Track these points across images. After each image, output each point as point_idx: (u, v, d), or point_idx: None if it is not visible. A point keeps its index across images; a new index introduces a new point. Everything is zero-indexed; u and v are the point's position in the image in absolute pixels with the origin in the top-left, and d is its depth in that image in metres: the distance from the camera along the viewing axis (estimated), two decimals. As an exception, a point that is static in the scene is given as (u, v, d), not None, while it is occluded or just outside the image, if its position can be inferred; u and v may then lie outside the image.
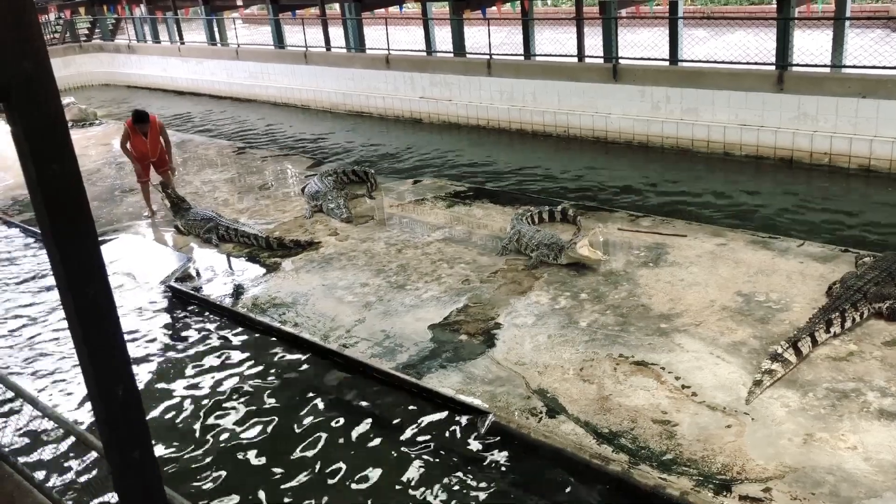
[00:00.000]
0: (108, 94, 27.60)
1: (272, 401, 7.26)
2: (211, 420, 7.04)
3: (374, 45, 20.81)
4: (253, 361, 7.97)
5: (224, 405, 7.26)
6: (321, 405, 7.14)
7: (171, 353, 8.34)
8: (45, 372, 8.15)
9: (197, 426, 6.99)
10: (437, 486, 5.95)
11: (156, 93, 26.68)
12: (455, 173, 14.59)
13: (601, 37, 16.06)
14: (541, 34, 19.14)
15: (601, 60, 16.00)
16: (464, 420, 6.60)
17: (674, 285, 8.44)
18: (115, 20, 30.06)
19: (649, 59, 15.33)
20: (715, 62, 14.58)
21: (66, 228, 1.95)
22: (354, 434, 6.67)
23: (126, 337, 2.22)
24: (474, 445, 6.33)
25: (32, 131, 1.88)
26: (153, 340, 8.64)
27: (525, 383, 6.90)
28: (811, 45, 14.88)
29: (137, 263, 10.73)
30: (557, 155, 15.57)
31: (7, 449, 5.23)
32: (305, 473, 6.24)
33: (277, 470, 6.30)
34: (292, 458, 6.44)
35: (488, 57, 17.44)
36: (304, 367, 7.80)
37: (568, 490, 5.80)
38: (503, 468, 6.08)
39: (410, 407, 6.92)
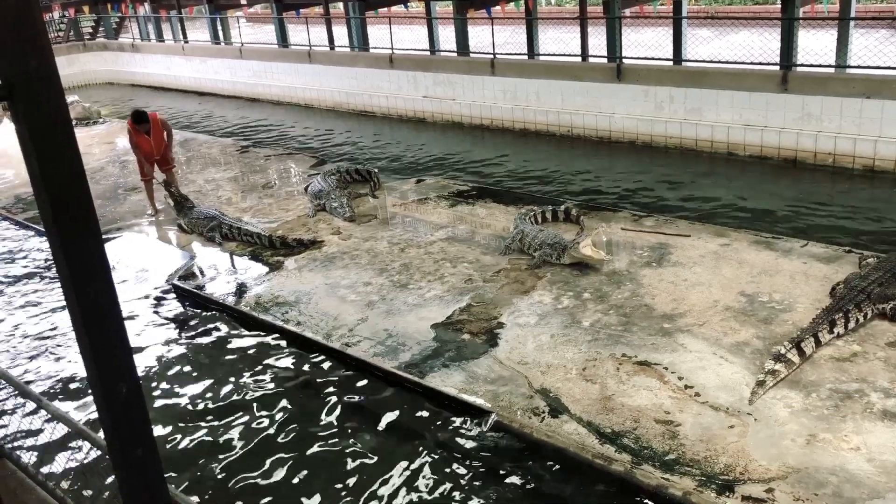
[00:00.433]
0: (111, 92, 27.63)
1: (274, 399, 7.27)
2: (213, 418, 7.05)
3: (377, 45, 20.81)
4: (255, 360, 7.98)
5: (226, 403, 7.27)
6: (323, 404, 7.15)
7: (173, 352, 8.36)
8: (49, 369, 8.17)
9: (200, 424, 7.00)
10: (438, 486, 5.95)
11: (159, 91, 26.71)
12: (458, 173, 14.59)
13: (605, 36, 16.04)
14: (544, 33, 19.12)
15: (605, 60, 15.98)
16: (466, 419, 6.60)
17: (677, 285, 8.43)
18: (118, 19, 30.10)
19: (653, 58, 15.31)
20: (719, 62, 14.55)
21: (70, 226, 1.95)
22: (356, 433, 6.67)
23: (129, 335, 2.23)
24: (477, 445, 6.33)
25: (37, 129, 1.88)
26: (156, 338, 8.65)
27: (528, 383, 6.90)
28: (815, 46, 14.84)
29: (141, 262, 10.75)
30: (561, 154, 15.55)
31: (11, 446, 5.24)
32: (306, 471, 6.25)
33: (279, 468, 6.31)
34: (294, 456, 6.44)
35: (492, 56, 17.42)
36: (307, 365, 7.80)
37: (570, 490, 5.79)
38: (505, 468, 6.07)
39: (412, 406, 6.92)
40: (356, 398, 7.19)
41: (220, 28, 25.53)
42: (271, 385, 7.51)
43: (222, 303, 9.19)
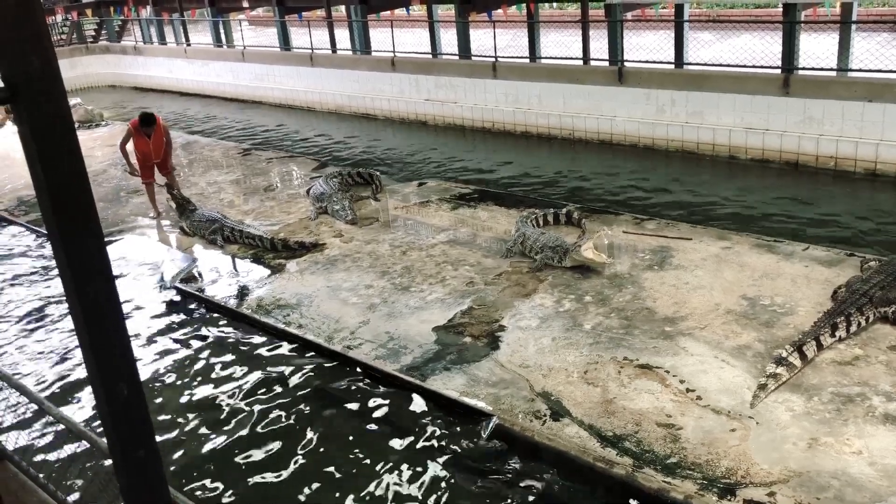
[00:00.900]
0: (114, 95, 27.68)
1: (275, 401, 7.27)
2: (214, 420, 7.05)
3: (379, 48, 20.83)
4: (257, 362, 7.98)
5: (227, 405, 7.27)
6: (324, 406, 7.15)
7: (175, 353, 8.36)
8: (51, 371, 8.17)
9: (200, 426, 7.00)
10: (439, 488, 5.94)
11: (162, 94, 26.75)
12: (460, 175, 14.60)
13: (606, 39, 16.06)
14: (546, 37, 19.14)
15: (606, 63, 15.99)
16: (468, 422, 6.59)
17: (678, 288, 8.42)
18: (121, 22, 30.17)
19: (655, 62, 15.32)
20: (720, 65, 14.56)
21: (72, 227, 1.96)
22: (358, 435, 6.67)
23: (130, 337, 2.23)
24: (477, 448, 6.33)
25: (39, 130, 1.88)
26: (158, 340, 8.66)
27: (529, 386, 6.89)
28: (817, 49, 14.85)
29: (142, 264, 10.76)
30: (562, 157, 15.55)
31: (12, 448, 5.24)
32: (308, 473, 6.25)
33: (280, 470, 6.31)
34: (295, 458, 6.44)
35: (494, 59, 17.44)
36: (308, 368, 7.80)
37: (571, 493, 5.79)
38: (506, 471, 6.07)
39: (414, 409, 6.92)
40: (357, 401, 7.18)
41: (222, 31, 25.57)
42: (272, 387, 7.51)
43: (224, 305, 9.20)
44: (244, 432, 6.85)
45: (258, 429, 6.88)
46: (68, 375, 8.05)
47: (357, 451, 6.47)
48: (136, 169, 12.03)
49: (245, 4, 24.54)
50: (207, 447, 6.70)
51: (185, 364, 8.12)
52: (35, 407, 4.78)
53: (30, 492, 4.57)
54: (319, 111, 21.52)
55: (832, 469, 5.54)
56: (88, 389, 7.46)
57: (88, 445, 4.24)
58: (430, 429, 6.63)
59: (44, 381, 7.97)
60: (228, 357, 8.17)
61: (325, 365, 7.80)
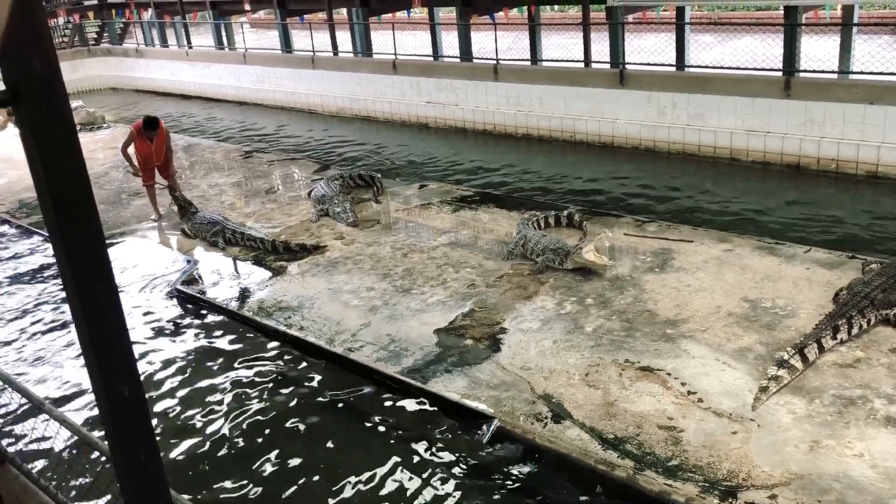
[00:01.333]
0: (116, 97, 27.72)
1: (276, 404, 7.27)
2: (215, 421, 7.05)
3: (381, 50, 20.85)
4: (258, 364, 7.98)
5: (228, 407, 7.27)
6: (325, 409, 7.15)
7: (176, 356, 8.36)
8: (52, 374, 8.17)
9: (201, 428, 7.00)
10: (440, 491, 5.94)
11: (163, 96, 26.78)
12: (461, 178, 14.61)
13: (608, 42, 16.07)
14: (548, 39, 19.15)
15: (608, 66, 16.00)
16: (469, 425, 6.59)
17: (680, 291, 8.42)
18: (123, 24, 30.21)
19: (656, 64, 15.32)
20: (722, 68, 14.56)
21: (73, 228, 1.96)
22: (358, 437, 6.67)
23: (131, 338, 2.23)
24: (479, 451, 6.32)
25: (40, 132, 1.88)
26: (159, 343, 8.66)
27: (530, 388, 6.89)
28: (818, 51, 14.85)
29: (144, 266, 10.76)
30: (564, 160, 15.56)
31: (14, 451, 5.25)
32: (308, 475, 6.25)
33: (280, 472, 6.30)
34: (295, 460, 6.44)
35: (495, 62, 17.45)
36: (309, 370, 7.80)
37: (572, 496, 5.78)
38: (507, 473, 6.06)
39: (415, 411, 6.91)
40: (357, 403, 7.18)
41: (223, 33, 25.60)
42: (273, 390, 7.51)
43: (225, 307, 9.20)
44: (244, 434, 6.85)
45: (258, 431, 6.88)
46: (69, 377, 8.05)
47: (358, 453, 6.47)
48: (139, 170, 12.05)
49: (247, 7, 24.57)
50: (208, 448, 6.70)
51: (186, 365, 8.12)
52: (36, 410, 4.77)
53: (31, 494, 4.57)
54: (321, 113, 21.54)
55: (834, 472, 5.53)
56: (89, 391, 7.46)
57: (89, 447, 4.24)
58: (431, 431, 6.63)
59: (45, 383, 7.97)
60: (229, 359, 8.17)
61: (326, 367, 7.80)
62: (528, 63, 17.73)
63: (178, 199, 12.00)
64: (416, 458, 6.32)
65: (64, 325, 9.12)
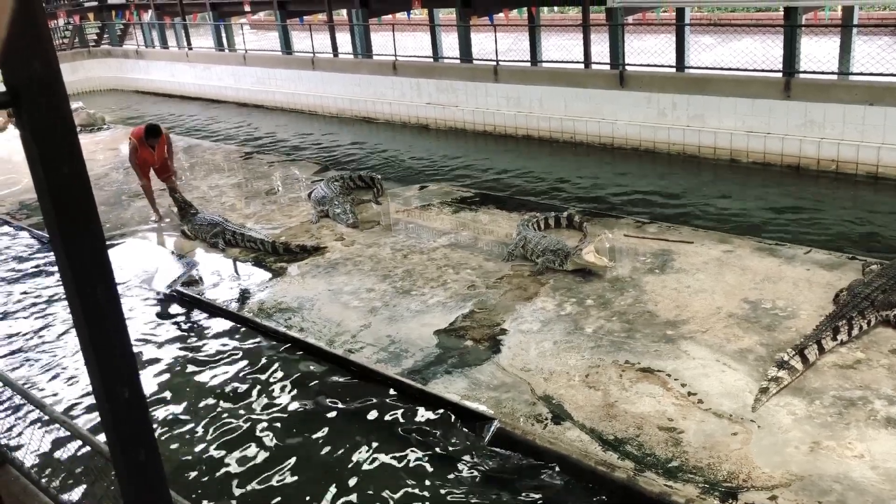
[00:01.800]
0: (116, 99, 27.72)
1: (276, 405, 7.27)
2: (214, 422, 7.05)
3: (381, 51, 20.86)
4: (258, 366, 7.98)
5: (228, 409, 7.27)
6: (325, 410, 7.15)
7: (176, 357, 8.36)
8: (52, 374, 8.17)
9: (201, 428, 7.00)
10: (440, 493, 5.93)
11: (163, 98, 26.79)
12: (461, 179, 14.60)
13: (608, 43, 16.07)
14: (547, 40, 19.15)
15: (608, 67, 16.00)
16: (469, 426, 6.59)
17: (680, 292, 8.42)
18: (123, 26, 30.22)
19: (656, 65, 15.33)
20: (722, 69, 14.56)
21: (73, 229, 1.96)
22: (358, 439, 6.67)
23: (131, 340, 2.23)
24: (479, 452, 6.32)
25: (41, 133, 1.88)
26: (159, 344, 8.66)
27: (530, 389, 6.88)
28: (818, 53, 14.85)
29: (144, 267, 10.77)
30: (564, 161, 15.55)
31: (14, 452, 5.25)
32: (308, 477, 6.25)
33: (280, 473, 6.30)
34: (295, 461, 6.44)
35: (495, 63, 17.46)
36: (309, 371, 7.80)
37: (573, 497, 5.78)
38: (507, 475, 6.06)
39: (415, 412, 6.91)
40: (358, 405, 7.18)
41: (223, 35, 25.62)
42: (273, 391, 7.51)
43: (225, 309, 9.20)
44: (245, 435, 6.84)
45: (258, 432, 6.88)
46: (69, 378, 8.05)
47: (358, 454, 6.46)
48: (142, 176, 12.18)
49: (246, 8, 24.59)
50: (208, 449, 6.70)
51: (186, 367, 8.12)
52: (36, 410, 4.77)
53: (31, 495, 4.57)
54: (321, 115, 21.54)
55: (834, 473, 5.53)
56: (90, 392, 7.46)
57: (89, 448, 4.24)
58: (431, 433, 6.63)
59: (45, 385, 7.97)
60: (229, 360, 8.17)
61: (326, 368, 7.79)
62: (528, 64, 17.74)
63: (178, 201, 12.01)
64: (415, 460, 6.32)
65: (64, 326, 9.11)
